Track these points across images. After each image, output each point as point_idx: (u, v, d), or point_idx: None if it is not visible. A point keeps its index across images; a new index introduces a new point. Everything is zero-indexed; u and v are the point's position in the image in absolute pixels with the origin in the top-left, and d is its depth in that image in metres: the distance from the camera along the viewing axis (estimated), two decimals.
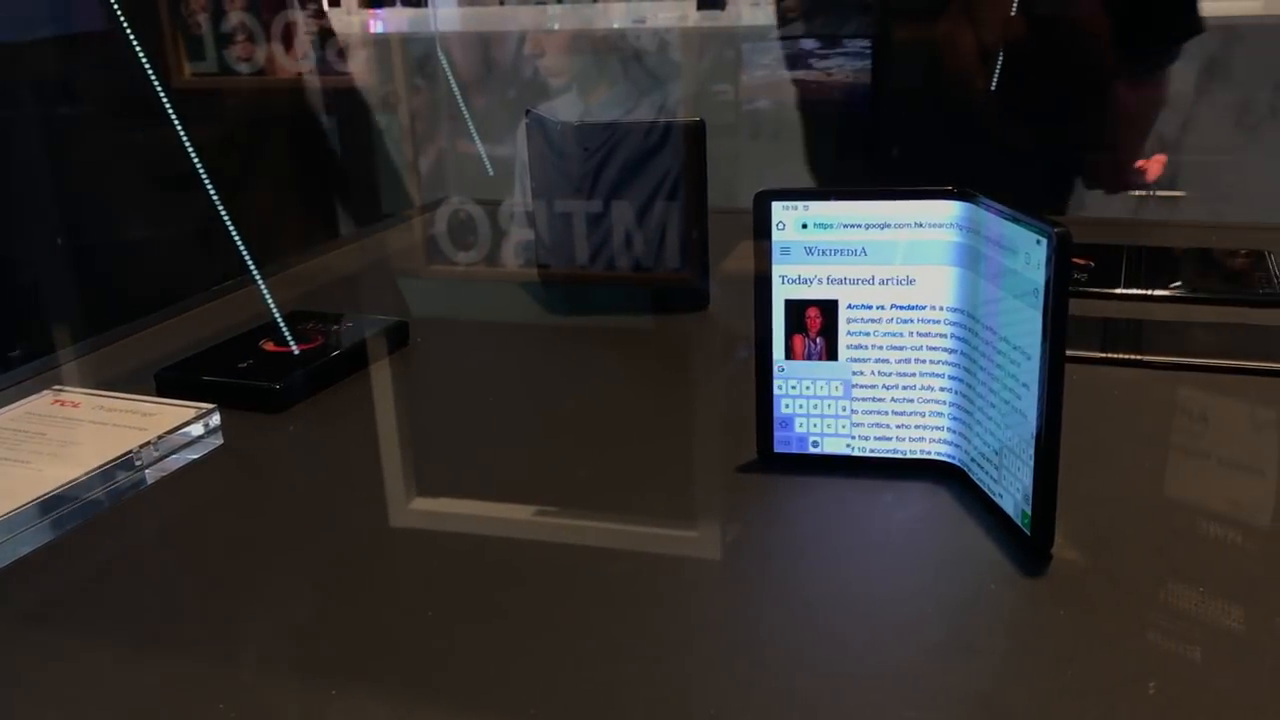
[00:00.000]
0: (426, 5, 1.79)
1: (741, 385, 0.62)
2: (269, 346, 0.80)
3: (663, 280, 0.91)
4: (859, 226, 0.59)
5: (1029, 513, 0.53)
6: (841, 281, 0.60)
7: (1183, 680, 0.45)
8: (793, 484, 0.61)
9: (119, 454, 0.64)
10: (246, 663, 0.49)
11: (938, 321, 0.59)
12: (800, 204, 0.59)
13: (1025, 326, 0.52)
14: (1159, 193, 1.77)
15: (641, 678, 0.46)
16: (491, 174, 1.48)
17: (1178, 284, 0.89)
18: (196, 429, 0.68)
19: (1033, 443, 0.52)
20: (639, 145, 0.90)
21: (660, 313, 0.92)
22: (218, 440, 0.69)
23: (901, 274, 0.59)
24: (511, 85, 1.81)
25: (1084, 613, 0.50)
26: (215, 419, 0.69)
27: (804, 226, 0.59)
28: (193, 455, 0.67)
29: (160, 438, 0.66)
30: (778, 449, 0.63)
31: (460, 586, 0.54)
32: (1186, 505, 0.59)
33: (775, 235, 0.60)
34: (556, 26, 1.82)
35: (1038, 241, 0.50)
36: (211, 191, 1.22)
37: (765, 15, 2.02)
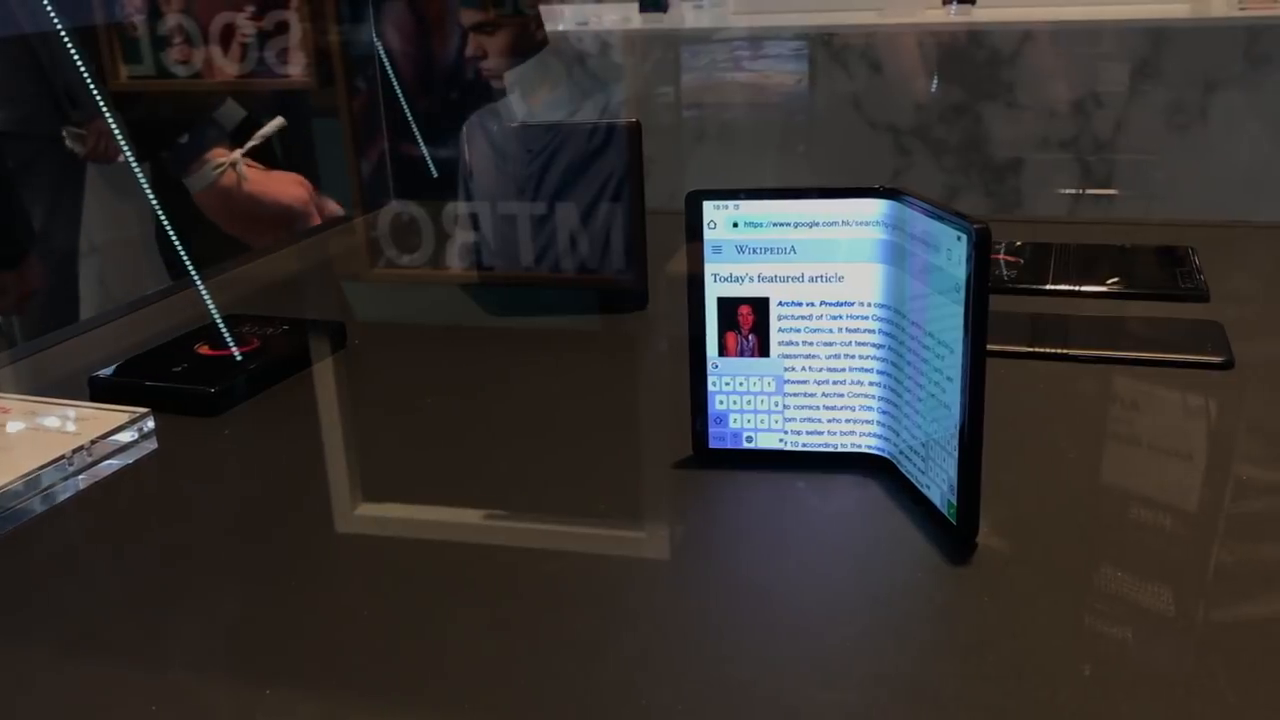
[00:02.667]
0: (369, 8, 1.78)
1: (679, 383, 0.63)
2: (204, 350, 0.79)
3: (606, 281, 0.92)
4: (788, 225, 0.60)
5: (954, 503, 0.54)
6: (772, 279, 0.61)
7: (1109, 661, 0.46)
8: (727, 479, 0.62)
9: (50, 459, 0.63)
10: (179, 664, 0.49)
11: (866, 317, 0.60)
12: (731, 203, 0.60)
13: (949, 321, 0.53)
14: (1092, 191, 1.81)
15: (575, 671, 0.47)
16: (435, 175, 1.48)
17: (1115, 279, 0.91)
18: (130, 434, 0.68)
19: (957, 435, 0.53)
20: (582, 147, 0.90)
21: (601, 313, 0.92)
22: (152, 445, 0.68)
23: (830, 271, 0.60)
24: (454, 88, 1.81)
25: (1007, 599, 0.51)
26: (149, 423, 0.69)
27: (735, 225, 0.60)
28: (127, 460, 0.67)
29: (93, 442, 0.65)
30: (713, 445, 0.64)
31: (395, 587, 0.54)
32: (1110, 493, 0.60)
33: (707, 234, 0.61)
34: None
35: (959, 238, 0.51)
36: (150, 195, 1.21)
37: (709, 18, 2.03)
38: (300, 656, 0.49)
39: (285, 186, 1.43)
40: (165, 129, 1.33)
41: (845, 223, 0.59)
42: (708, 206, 0.60)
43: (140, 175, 1.39)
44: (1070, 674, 0.45)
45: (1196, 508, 0.59)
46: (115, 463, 0.66)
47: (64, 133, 1.36)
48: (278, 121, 1.47)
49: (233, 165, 1.40)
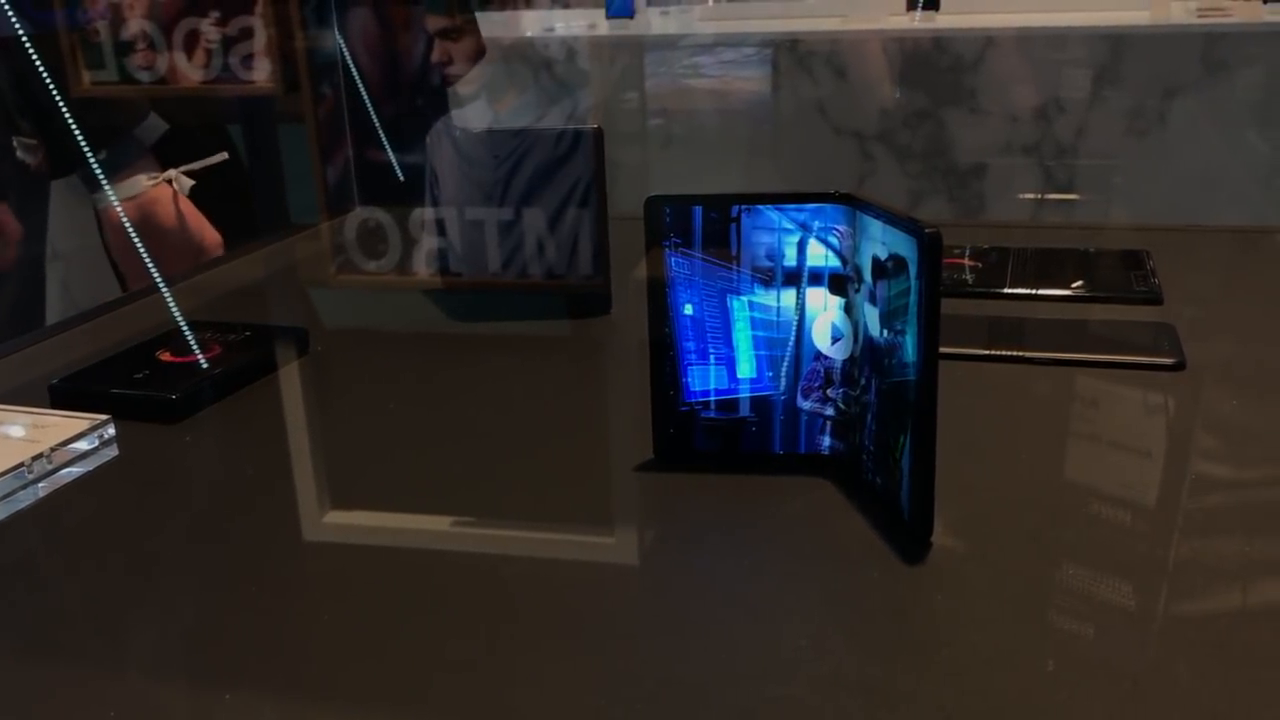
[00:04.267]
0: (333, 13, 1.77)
1: (640, 387, 0.64)
2: (166, 357, 0.79)
3: (570, 286, 0.93)
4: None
5: (910, 503, 0.55)
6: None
7: (1062, 656, 0.47)
8: (687, 481, 0.63)
9: (9, 466, 0.63)
10: (138, 670, 0.49)
11: (826, 321, 0.61)
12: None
13: (902, 324, 0.54)
14: (1054, 195, 1.83)
15: (531, 674, 0.47)
16: (403, 179, 1.48)
17: (1071, 283, 0.92)
18: (90, 441, 0.67)
19: (911, 435, 0.54)
20: (548, 152, 0.91)
21: (565, 318, 0.93)
22: (113, 452, 0.68)
23: (790, 275, 0.61)
24: (419, 93, 1.81)
25: (961, 597, 0.52)
26: (110, 430, 0.68)
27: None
28: (87, 468, 0.67)
29: (53, 450, 0.65)
30: (673, 448, 0.64)
31: (356, 593, 0.54)
32: (1063, 492, 0.61)
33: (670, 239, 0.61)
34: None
35: (911, 242, 0.52)
36: (115, 203, 1.19)
37: (675, 24, 2.04)
38: (259, 662, 0.49)
39: (206, 224, 1.43)
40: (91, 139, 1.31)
41: (804, 227, 0.60)
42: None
43: (105, 183, 1.38)
44: (1023, 670, 0.46)
45: (1149, 505, 0.60)
46: (75, 470, 0.66)
47: (14, 142, 1.35)
48: (221, 156, 1.47)
49: (171, 180, 1.39)
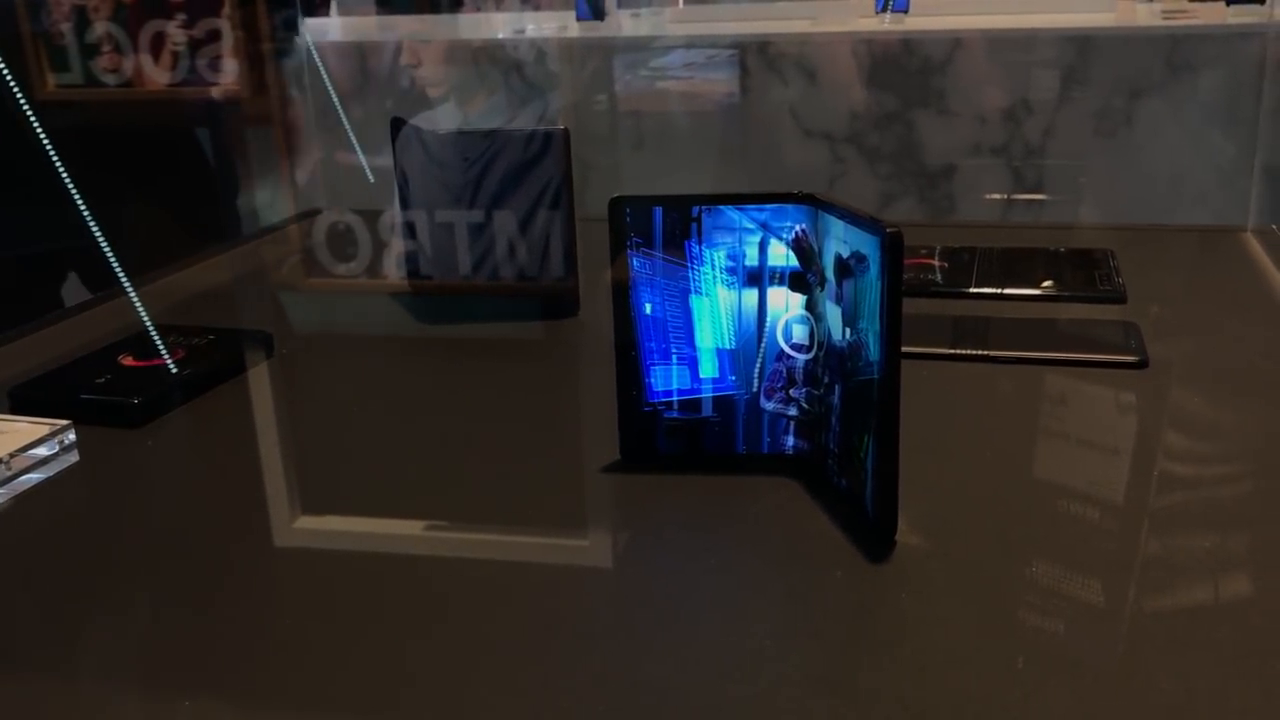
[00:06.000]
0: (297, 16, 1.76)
1: (609, 388, 0.64)
2: (128, 361, 0.78)
3: (539, 289, 0.92)
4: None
5: (874, 501, 0.55)
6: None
7: (1027, 653, 0.47)
8: (652, 482, 0.63)
9: None
10: (96, 678, 0.48)
11: (788, 321, 0.61)
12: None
13: (866, 323, 0.54)
14: (1023, 196, 1.85)
15: (496, 676, 0.47)
16: (373, 181, 1.47)
17: (1037, 282, 0.93)
18: (50, 447, 0.67)
19: (875, 434, 0.54)
20: (518, 154, 0.90)
21: (535, 320, 0.93)
22: (74, 457, 0.68)
23: (751, 275, 0.61)
24: (389, 95, 1.80)
25: (925, 594, 0.52)
26: (70, 436, 0.68)
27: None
28: (48, 473, 0.66)
29: (12, 455, 0.64)
30: (639, 450, 0.64)
31: (317, 598, 0.54)
32: (1026, 490, 0.62)
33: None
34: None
35: (873, 242, 0.52)
36: (81, 205, 1.19)
37: (647, 26, 2.04)
38: (219, 669, 0.48)
39: None
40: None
41: (766, 227, 0.60)
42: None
43: (70, 184, 1.36)
44: (986, 667, 0.46)
45: (1112, 501, 0.60)
46: (36, 476, 0.65)
47: None
48: None
49: None
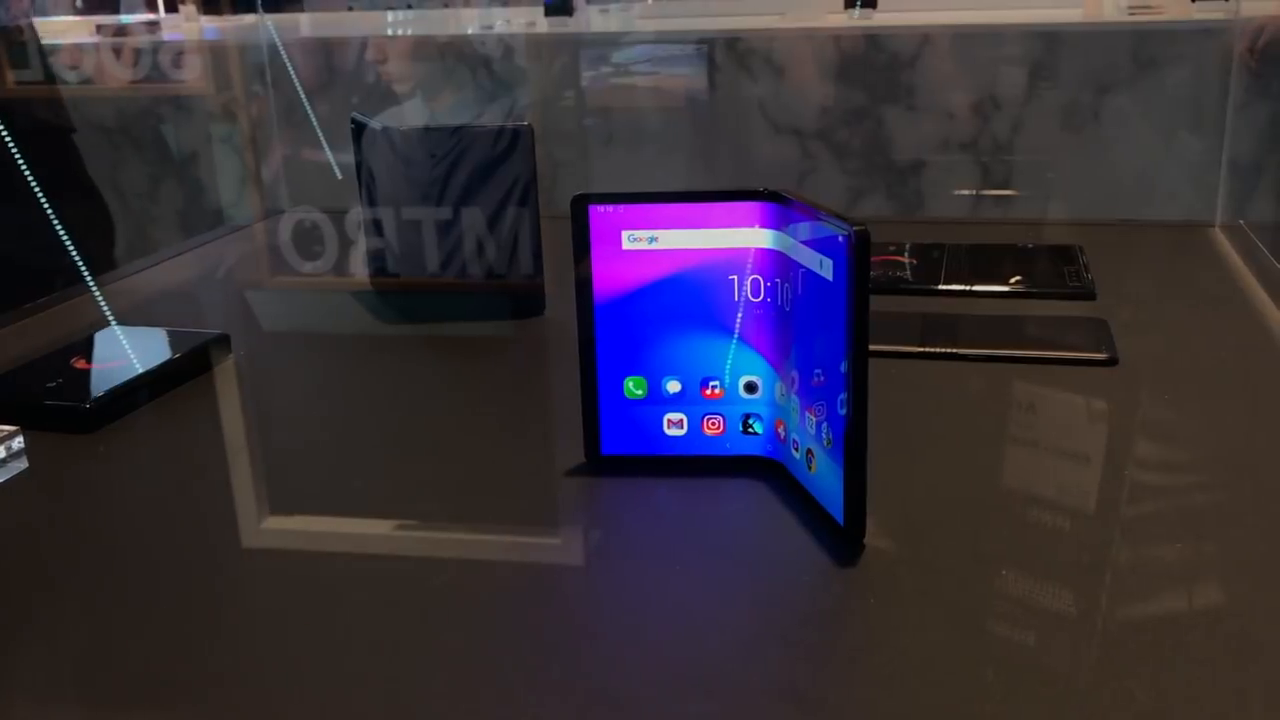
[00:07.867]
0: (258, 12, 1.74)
1: (575, 387, 0.62)
2: (80, 364, 0.76)
3: (504, 286, 0.91)
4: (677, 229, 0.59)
5: (842, 505, 0.54)
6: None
7: (996, 660, 0.46)
8: (618, 485, 0.62)
9: None
10: (32, 692, 0.47)
11: (755, 320, 0.60)
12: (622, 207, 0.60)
13: (832, 322, 0.53)
14: (992, 192, 1.85)
15: (457, 683, 0.46)
16: (340, 177, 1.45)
17: (1006, 279, 0.92)
18: None
19: (843, 434, 0.53)
20: (486, 151, 0.89)
21: (503, 318, 0.91)
22: (22, 464, 0.66)
23: (720, 275, 0.60)
24: (355, 91, 1.78)
25: (893, 600, 0.51)
26: (18, 442, 0.66)
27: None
28: None
29: None
30: (605, 451, 0.63)
31: (276, 603, 0.52)
32: (996, 491, 0.61)
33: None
34: (398, 33, 1.80)
35: (839, 239, 0.52)
36: (44, 202, 1.16)
37: (615, 22, 2.03)
38: (173, 677, 0.47)
39: None
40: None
41: (732, 226, 0.59)
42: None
43: (33, 181, 1.34)
44: (955, 674, 0.46)
45: (1082, 504, 0.60)
46: None
47: None
48: None
49: None
